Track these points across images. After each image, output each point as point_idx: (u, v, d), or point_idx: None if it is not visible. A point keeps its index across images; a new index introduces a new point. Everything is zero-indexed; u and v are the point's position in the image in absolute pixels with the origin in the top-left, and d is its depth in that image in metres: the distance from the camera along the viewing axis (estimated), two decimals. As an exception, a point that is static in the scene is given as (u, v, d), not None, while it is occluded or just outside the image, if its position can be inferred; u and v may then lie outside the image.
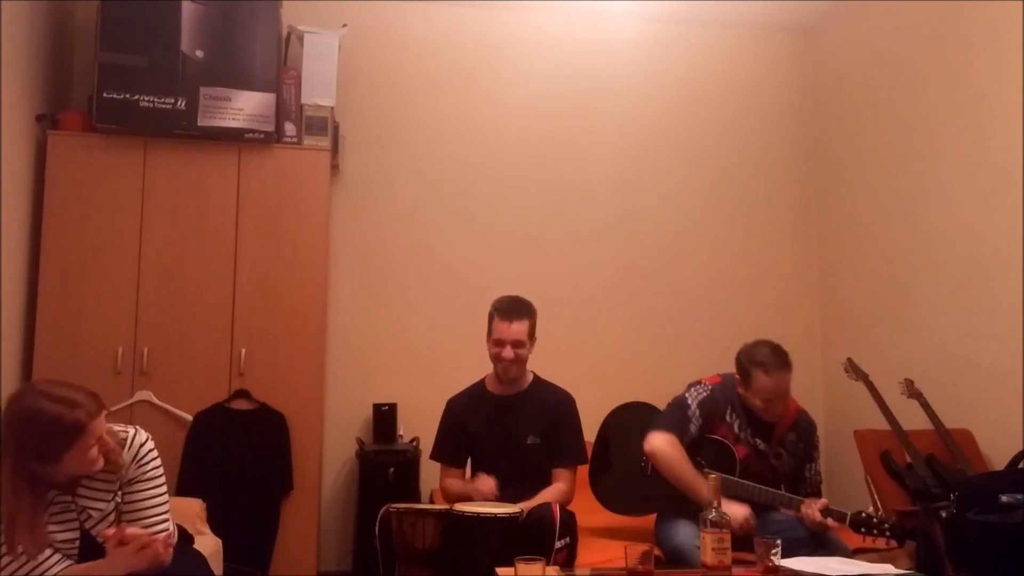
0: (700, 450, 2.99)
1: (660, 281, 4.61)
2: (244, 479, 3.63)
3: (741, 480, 2.92)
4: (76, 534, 2.00)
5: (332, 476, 4.18)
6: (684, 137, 4.75)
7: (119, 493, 2.05)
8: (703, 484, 2.64)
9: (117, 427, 2.06)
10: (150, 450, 2.08)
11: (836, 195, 4.64)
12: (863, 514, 2.74)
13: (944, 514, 2.84)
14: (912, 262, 3.99)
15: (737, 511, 2.77)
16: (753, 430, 3.03)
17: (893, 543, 2.95)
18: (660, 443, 2.91)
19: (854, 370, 3.66)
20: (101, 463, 1.96)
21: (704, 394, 3.03)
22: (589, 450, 3.24)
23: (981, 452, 3.43)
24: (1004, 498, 2.68)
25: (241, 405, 3.71)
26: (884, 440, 3.37)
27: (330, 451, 4.13)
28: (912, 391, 3.52)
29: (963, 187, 3.70)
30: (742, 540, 2.54)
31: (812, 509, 2.78)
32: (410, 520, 2.62)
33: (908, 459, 3.25)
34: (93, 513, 2.01)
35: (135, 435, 2.07)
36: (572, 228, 4.59)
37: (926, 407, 3.44)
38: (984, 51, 3.60)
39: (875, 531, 2.72)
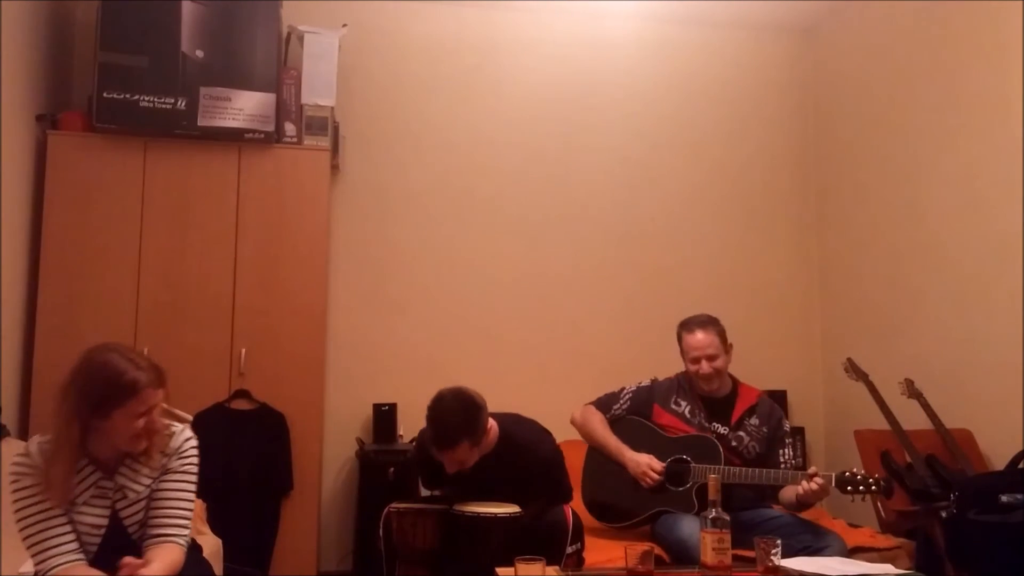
0: (685, 448, 3.06)
1: (660, 280, 4.61)
2: (244, 479, 3.63)
3: (730, 467, 2.94)
4: (105, 521, 2.02)
5: (332, 476, 4.18)
6: (684, 136, 4.75)
7: (156, 480, 2.08)
8: (613, 440, 3.12)
9: (169, 421, 2.13)
10: (193, 446, 2.14)
11: (836, 195, 4.64)
12: (847, 473, 2.75)
13: (944, 514, 2.84)
14: (912, 262, 3.99)
15: (640, 458, 3.03)
16: (708, 414, 3.12)
17: (895, 540, 2.94)
18: (578, 414, 3.28)
19: (854, 370, 3.66)
20: (144, 444, 2.00)
21: (644, 384, 3.27)
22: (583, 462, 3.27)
23: (981, 452, 3.43)
24: (1004, 498, 2.69)
25: (241, 405, 3.71)
26: (884, 440, 3.37)
27: (330, 451, 4.13)
28: (912, 391, 3.52)
29: (963, 187, 3.70)
30: (741, 541, 2.53)
31: (803, 483, 2.80)
32: (410, 520, 2.63)
33: (908, 459, 3.25)
34: (129, 493, 2.04)
35: (183, 430, 2.15)
36: (572, 227, 4.59)
37: (926, 407, 3.44)
38: (984, 51, 3.60)
39: (861, 487, 2.71)
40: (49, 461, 1.94)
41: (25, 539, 1.95)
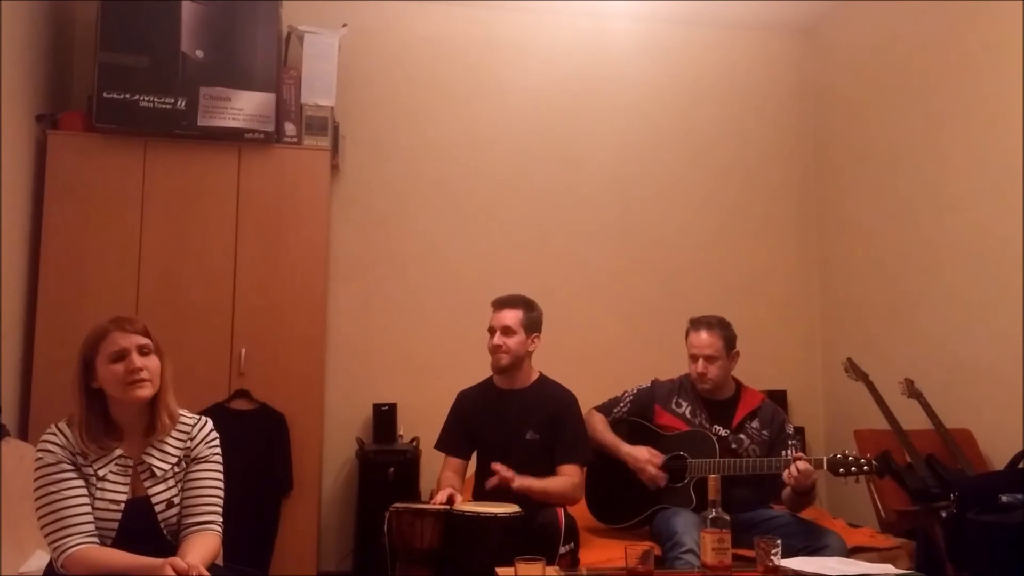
0: (680, 444, 3.06)
1: (660, 281, 4.61)
2: (244, 479, 3.61)
3: (726, 459, 2.96)
4: (125, 497, 2.04)
5: (332, 476, 4.18)
6: (684, 136, 4.75)
7: (184, 461, 2.15)
8: (610, 437, 3.14)
9: (186, 413, 2.20)
10: (216, 437, 2.23)
11: (836, 195, 4.64)
12: (838, 455, 2.75)
13: (944, 514, 2.84)
14: (912, 262, 3.99)
15: (639, 452, 3.03)
16: (709, 415, 3.12)
17: (895, 540, 2.92)
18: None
19: (854, 370, 3.66)
20: (143, 391, 2.06)
21: (644, 386, 3.29)
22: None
23: (981, 452, 3.43)
24: (1004, 498, 2.68)
25: (241, 405, 3.71)
26: (884, 440, 3.37)
27: (330, 451, 4.13)
28: (912, 391, 3.52)
29: (963, 187, 3.70)
30: (741, 541, 2.53)
31: (792, 466, 2.79)
32: (409, 520, 2.63)
33: (908, 459, 3.25)
34: (156, 471, 2.10)
35: (207, 421, 2.25)
36: (572, 227, 4.59)
37: (926, 407, 3.44)
38: (984, 51, 3.60)
39: (853, 468, 2.71)
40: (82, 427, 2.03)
41: (41, 517, 1.96)
